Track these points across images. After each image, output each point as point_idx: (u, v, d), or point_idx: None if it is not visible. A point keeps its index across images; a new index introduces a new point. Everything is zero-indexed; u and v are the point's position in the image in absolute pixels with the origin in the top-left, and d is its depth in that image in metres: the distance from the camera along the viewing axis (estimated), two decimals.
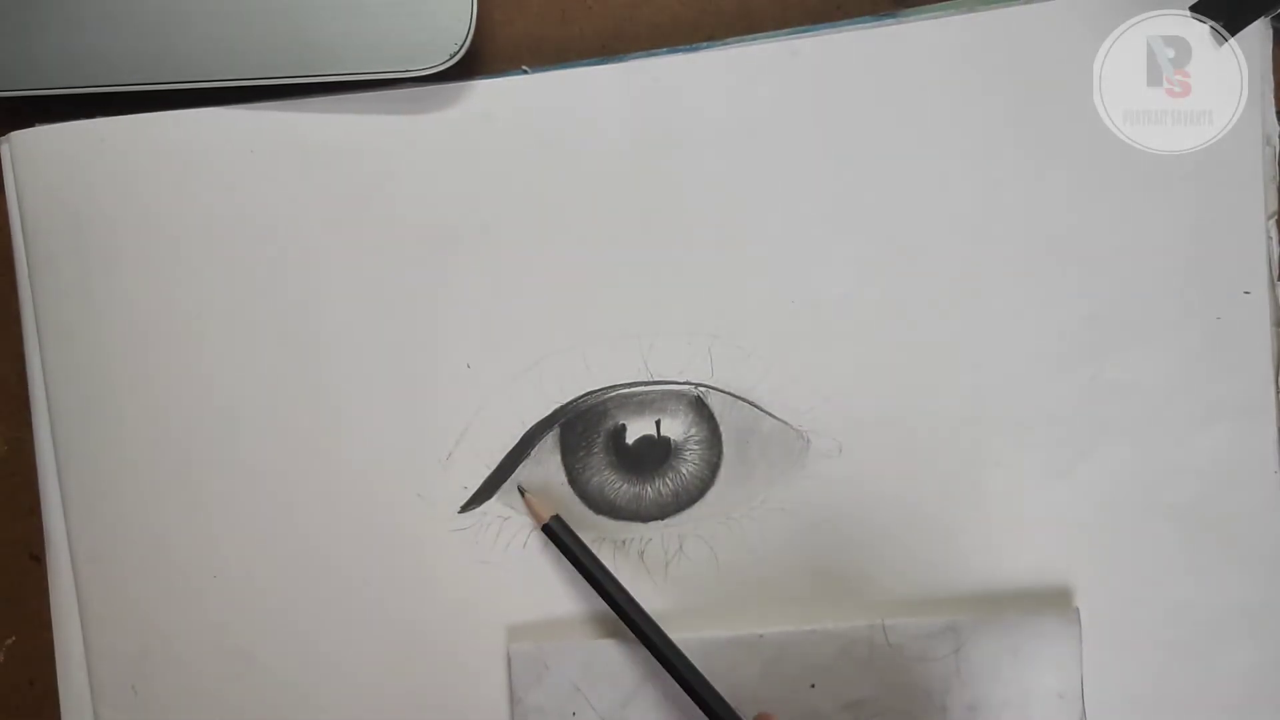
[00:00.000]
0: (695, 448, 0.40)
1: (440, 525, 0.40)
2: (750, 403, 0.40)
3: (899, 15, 0.40)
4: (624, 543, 0.40)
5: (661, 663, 0.38)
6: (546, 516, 0.39)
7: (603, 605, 0.40)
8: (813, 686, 0.39)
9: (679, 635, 0.39)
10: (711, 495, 0.40)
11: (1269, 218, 0.40)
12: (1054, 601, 0.40)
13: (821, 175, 0.40)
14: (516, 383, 0.40)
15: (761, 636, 0.39)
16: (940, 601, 0.40)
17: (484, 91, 0.40)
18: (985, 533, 0.40)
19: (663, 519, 0.40)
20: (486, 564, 0.40)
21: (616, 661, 0.39)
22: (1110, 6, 0.40)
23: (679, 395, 0.40)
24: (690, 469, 0.40)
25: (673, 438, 0.40)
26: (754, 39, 0.40)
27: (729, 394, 0.40)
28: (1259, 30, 0.39)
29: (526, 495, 0.40)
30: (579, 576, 0.40)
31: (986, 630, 0.39)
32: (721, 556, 0.40)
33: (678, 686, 0.38)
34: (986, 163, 0.40)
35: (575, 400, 0.40)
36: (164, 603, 0.41)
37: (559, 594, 0.40)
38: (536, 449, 0.40)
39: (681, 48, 0.41)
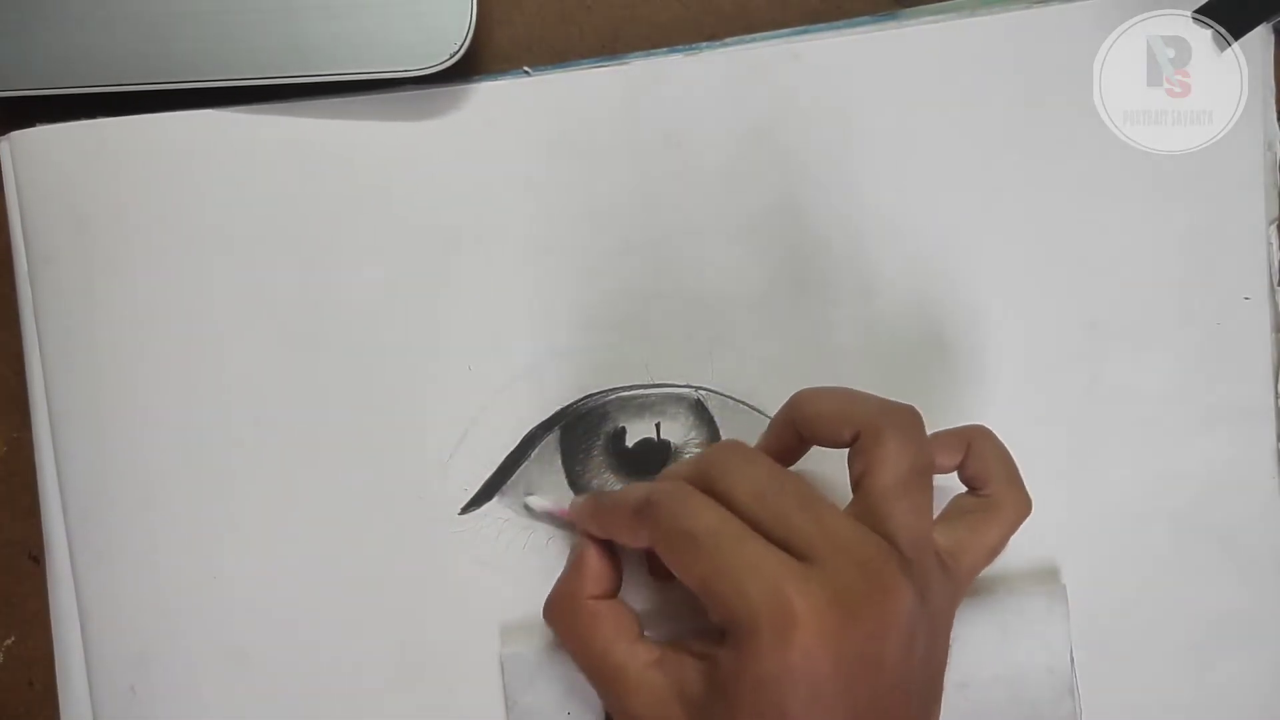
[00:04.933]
0: (695, 450, 0.40)
1: (440, 527, 0.40)
2: (750, 406, 0.40)
3: (899, 15, 0.40)
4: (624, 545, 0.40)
5: None
6: None
7: None
8: None
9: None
10: None
11: (1270, 223, 0.40)
12: (1041, 580, 0.40)
13: (821, 177, 0.40)
14: (517, 385, 0.40)
15: None
16: None
17: (484, 93, 0.40)
18: None
19: None
20: (486, 566, 0.40)
21: None
22: (1110, 7, 0.40)
23: (679, 398, 0.40)
24: None
25: (673, 441, 0.40)
26: (754, 39, 0.40)
27: (729, 397, 0.40)
28: (1261, 35, 0.39)
29: None
30: None
31: (974, 608, 0.39)
32: None
33: None
34: (986, 164, 0.40)
35: (576, 403, 0.40)
36: (164, 603, 0.41)
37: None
38: (537, 451, 0.40)
39: (681, 48, 0.41)
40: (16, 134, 0.40)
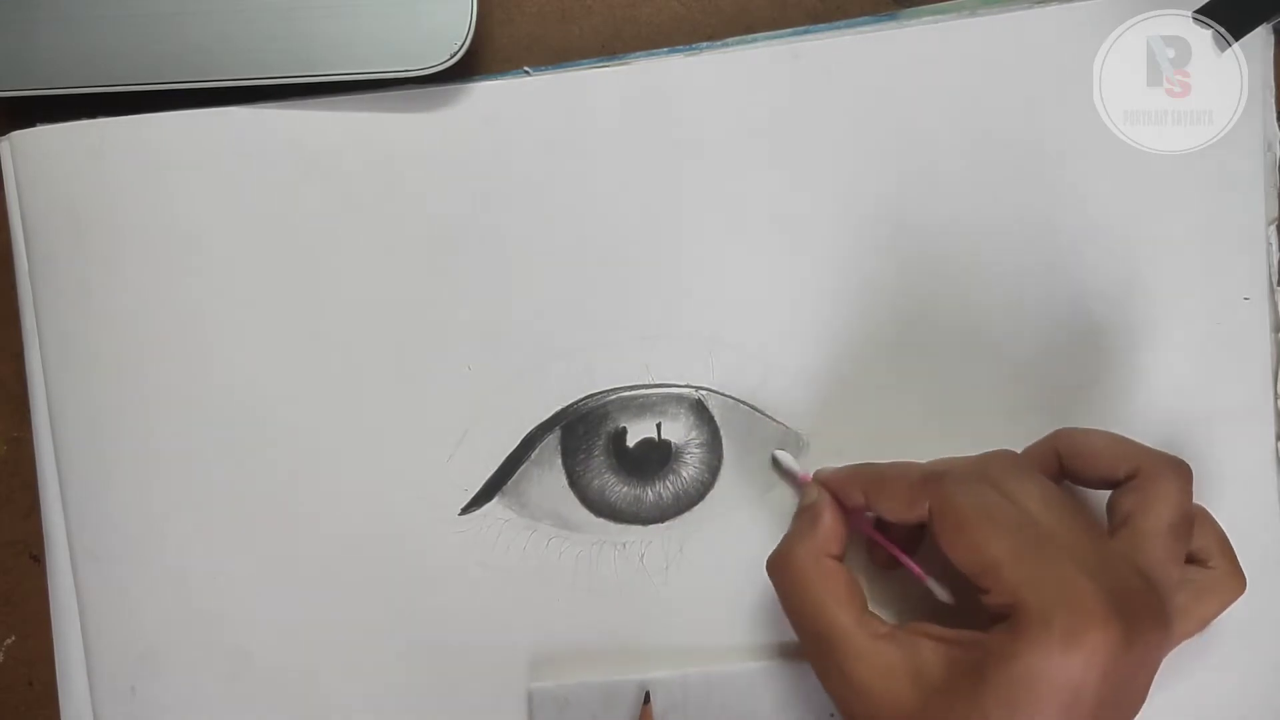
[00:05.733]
0: (696, 451, 0.40)
1: (441, 527, 0.40)
2: (751, 406, 0.40)
3: (899, 15, 0.40)
4: (624, 545, 0.40)
5: None
6: None
7: (609, 622, 0.40)
8: (831, 715, 0.39)
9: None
10: (712, 498, 0.40)
11: (1270, 223, 0.40)
12: None
13: (822, 177, 0.40)
14: (517, 385, 0.40)
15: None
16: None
17: (485, 93, 0.40)
18: None
19: (663, 521, 0.40)
20: (486, 566, 0.40)
21: (637, 696, 0.40)
22: (1110, 7, 0.40)
23: (679, 398, 0.40)
24: (691, 472, 0.40)
25: (673, 441, 0.40)
26: (754, 39, 0.40)
27: (729, 397, 0.40)
28: (1261, 36, 0.39)
29: None
30: (577, 579, 0.40)
31: None
32: (721, 559, 0.40)
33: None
34: (986, 164, 0.40)
35: (576, 403, 0.40)
36: (164, 603, 0.41)
37: (559, 596, 0.40)
38: (538, 451, 0.40)
39: (681, 48, 0.41)
40: (16, 134, 0.40)
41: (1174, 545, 0.33)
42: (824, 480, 0.38)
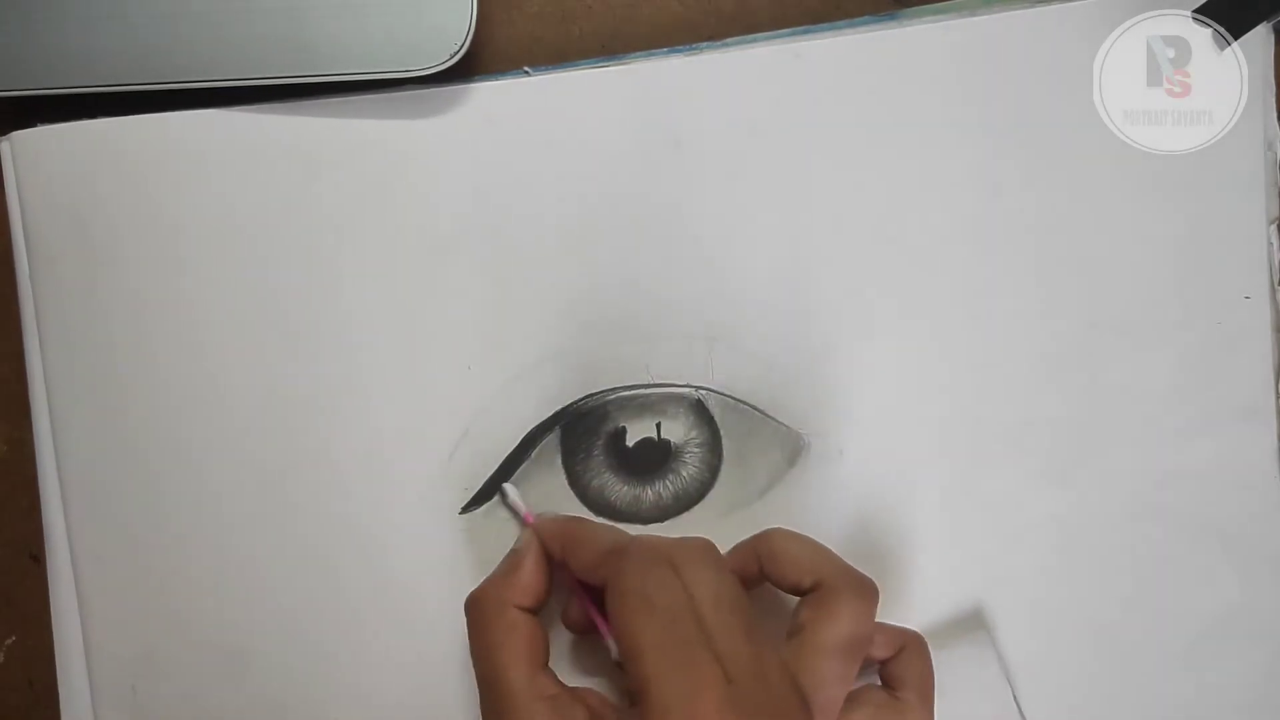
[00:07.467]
0: (695, 450, 0.40)
1: (441, 526, 0.40)
2: (751, 405, 0.40)
3: (899, 15, 0.40)
4: None
5: None
6: None
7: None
8: None
9: None
10: (711, 498, 0.40)
11: (1270, 223, 0.40)
12: (966, 629, 0.40)
13: (822, 177, 0.40)
14: (517, 384, 0.40)
15: None
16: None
17: (485, 93, 0.40)
18: (982, 536, 0.40)
19: (663, 521, 0.40)
20: (487, 565, 0.40)
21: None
22: (1110, 7, 0.40)
23: (679, 398, 0.40)
24: (690, 471, 0.40)
25: (673, 440, 0.40)
26: (754, 39, 0.40)
27: (729, 397, 0.40)
28: (1260, 35, 0.39)
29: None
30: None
31: None
32: None
33: None
34: (986, 164, 0.40)
35: (576, 402, 0.40)
36: (164, 603, 0.41)
37: (557, 595, 0.40)
38: (537, 451, 0.40)
39: (681, 48, 0.41)
40: (17, 134, 0.40)
41: (838, 664, 0.34)
42: (538, 528, 0.38)
